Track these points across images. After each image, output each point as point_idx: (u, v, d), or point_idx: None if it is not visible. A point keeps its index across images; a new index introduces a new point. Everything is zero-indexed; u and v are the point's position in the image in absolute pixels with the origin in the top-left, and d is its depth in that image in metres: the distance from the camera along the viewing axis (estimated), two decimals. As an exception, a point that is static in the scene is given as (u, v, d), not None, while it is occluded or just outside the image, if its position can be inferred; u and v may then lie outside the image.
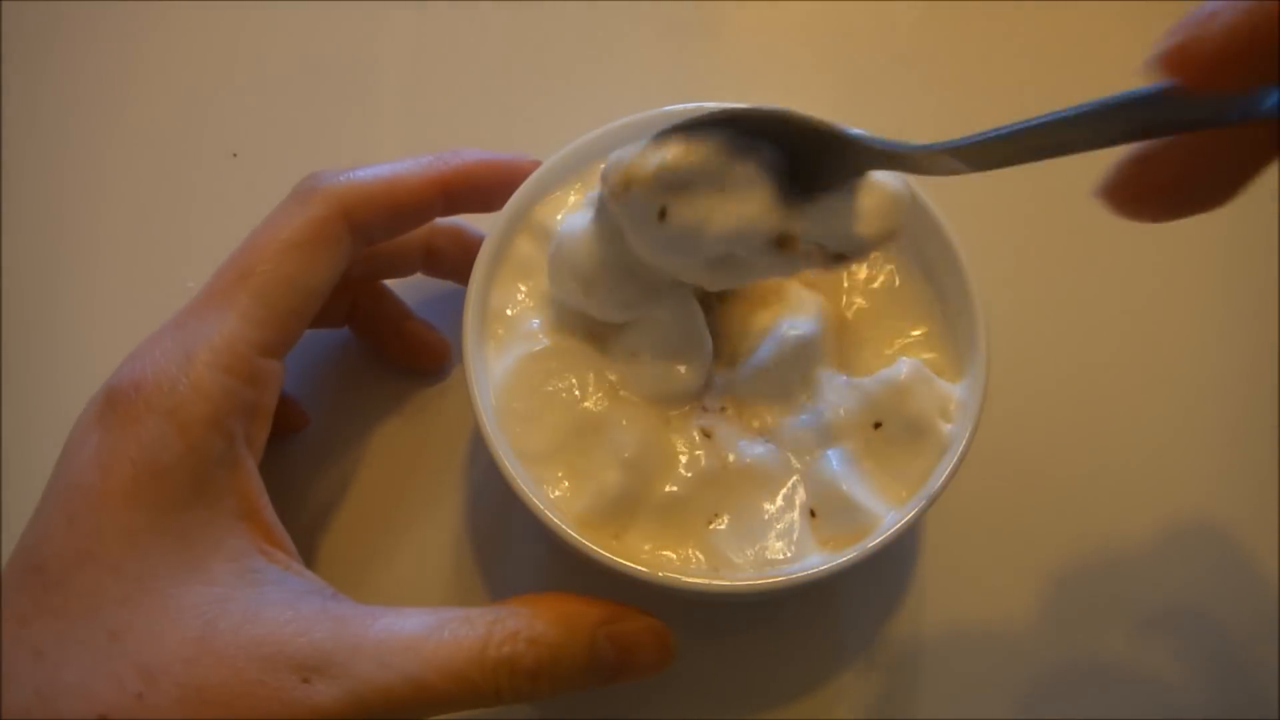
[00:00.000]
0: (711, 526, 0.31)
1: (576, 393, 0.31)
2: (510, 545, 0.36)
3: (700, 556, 0.30)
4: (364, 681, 0.25)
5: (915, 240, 0.34)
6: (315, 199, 0.31)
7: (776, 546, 0.30)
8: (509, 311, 0.33)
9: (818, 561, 0.29)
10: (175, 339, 0.28)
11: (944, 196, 0.33)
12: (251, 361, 0.29)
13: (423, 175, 0.33)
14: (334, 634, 0.25)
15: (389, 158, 0.42)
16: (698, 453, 0.31)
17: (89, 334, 0.39)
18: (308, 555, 0.35)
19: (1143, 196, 0.22)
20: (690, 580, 0.29)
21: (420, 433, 0.38)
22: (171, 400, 0.27)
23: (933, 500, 0.29)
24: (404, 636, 0.26)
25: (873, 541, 0.29)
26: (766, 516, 0.31)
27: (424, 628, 0.26)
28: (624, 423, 0.31)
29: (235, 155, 0.43)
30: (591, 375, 0.32)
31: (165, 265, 0.41)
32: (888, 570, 0.36)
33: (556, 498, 0.31)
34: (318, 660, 0.25)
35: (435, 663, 0.25)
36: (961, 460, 0.30)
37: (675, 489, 0.31)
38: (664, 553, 0.30)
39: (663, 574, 0.29)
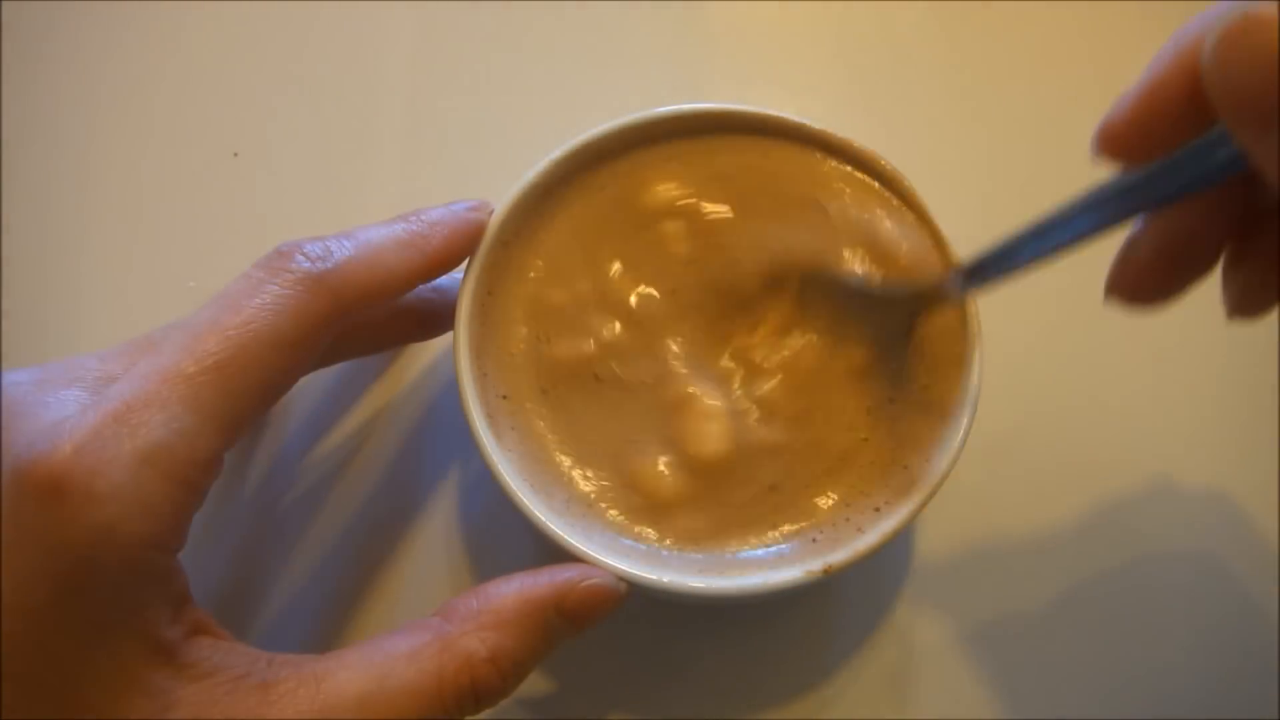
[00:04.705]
0: (719, 526, 0.31)
1: (575, 401, 0.32)
2: (504, 543, 0.36)
3: (703, 556, 0.30)
4: None
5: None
6: (316, 289, 0.27)
7: (783, 544, 0.30)
8: (506, 314, 0.33)
9: (816, 563, 0.29)
10: (129, 435, 0.24)
11: (938, 192, 0.33)
12: (208, 469, 0.25)
13: (408, 265, 0.29)
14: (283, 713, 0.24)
15: (389, 158, 0.43)
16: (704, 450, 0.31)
17: (89, 335, 0.39)
18: (302, 558, 0.36)
19: (1136, 286, 0.25)
20: (692, 584, 0.29)
21: (416, 433, 0.38)
22: (111, 513, 0.23)
23: (930, 496, 0.30)
24: (351, 698, 0.25)
25: (872, 541, 0.29)
26: (780, 512, 0.31)
27: (370, 680, 0.25)
28: (624, 419, 0.31)
29: (236, 155, 0.43)
30: (593, 378, 0.32)
31: (165, 265, 0.41)
32: (885, 569, 0.36)
33: (553, 504, 0.31)
34: None
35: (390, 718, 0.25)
36: (956, 458, 0.30)
37: (681, 490, 0.31)
38: (672, 549, 0.30)
39: (669, 579, 0.29)
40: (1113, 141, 0.23)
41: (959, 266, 0.30)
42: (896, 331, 0.32)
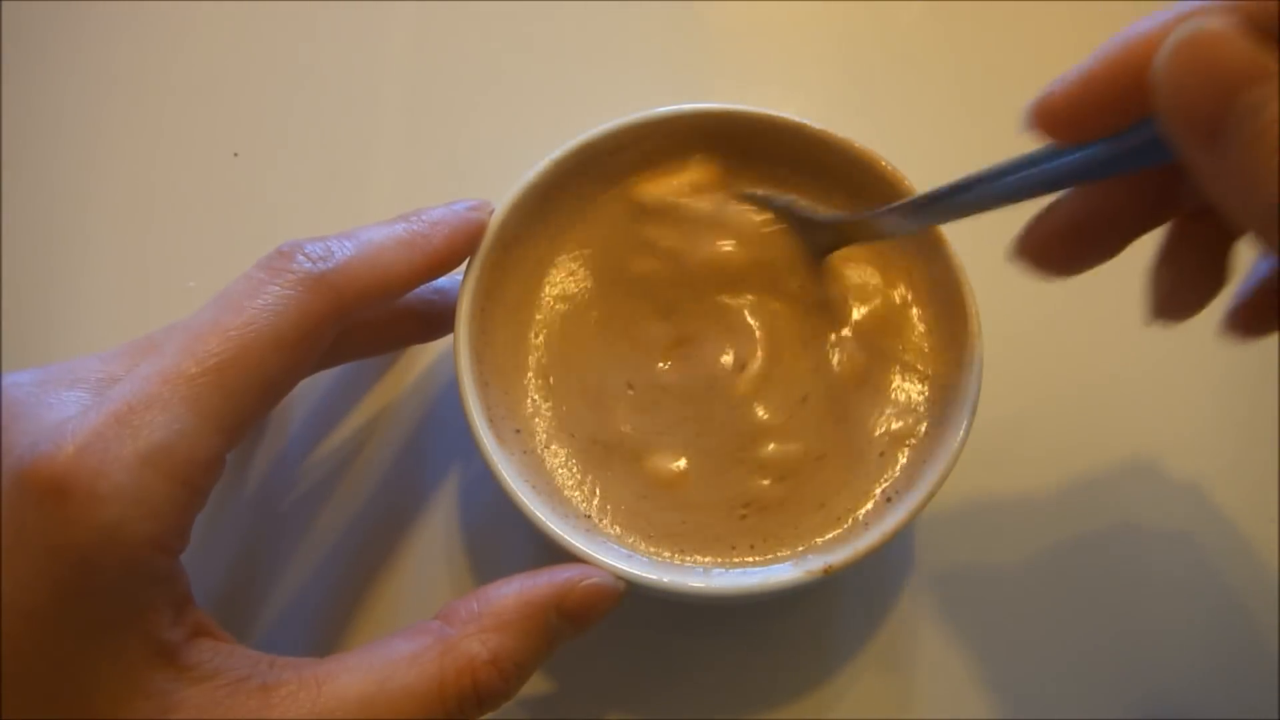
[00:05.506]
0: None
1: (578, 409, 0.32)
2: (504, 543, 0.36)
3: (706, 557, 0.30)
4: None
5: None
6: (318, 289, 0.27)
7: (783, 545, 0.31)
8: (504, 324, 0.33)
9: (816, 563, 0.29)
10: (131, 437, 0.24)
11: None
12: (210, 469, 0.25)
13: (410, 264, 0.29)
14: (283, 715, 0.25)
15: (389, 158, 0.43)
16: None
17: (89, 335, 0.39)
18: (302, 558, 0.36)
19: (1041, 250, 0.26)
20: (692, 584, 0.29)
21: (416, 434, 0.38)
22: (114, 514, 0.23)
23: (930, 496, 0.30)
24: (352, 701, 0.25)
25: (871, 541, 0.29)
26: (783, 512, 0.31)
27: (371, 682, 0.25)
28: (626, 430, 0.31)
29: (236, 155, 0.43)
30: (595, 387, 0.32)
31: (165, 265, 0.41)
32: (885, 569, 0.36)
33: (554, 504, 0.31)
34: None
35: None
36: (957, 457, 0.30)
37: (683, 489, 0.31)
38: (673, 551, 0.31)
39: (669, 580, 0.29)
40: (1046, 117, 0.24)
41: (891, 204, 0.30)
42: (816, 256, 0.33)
